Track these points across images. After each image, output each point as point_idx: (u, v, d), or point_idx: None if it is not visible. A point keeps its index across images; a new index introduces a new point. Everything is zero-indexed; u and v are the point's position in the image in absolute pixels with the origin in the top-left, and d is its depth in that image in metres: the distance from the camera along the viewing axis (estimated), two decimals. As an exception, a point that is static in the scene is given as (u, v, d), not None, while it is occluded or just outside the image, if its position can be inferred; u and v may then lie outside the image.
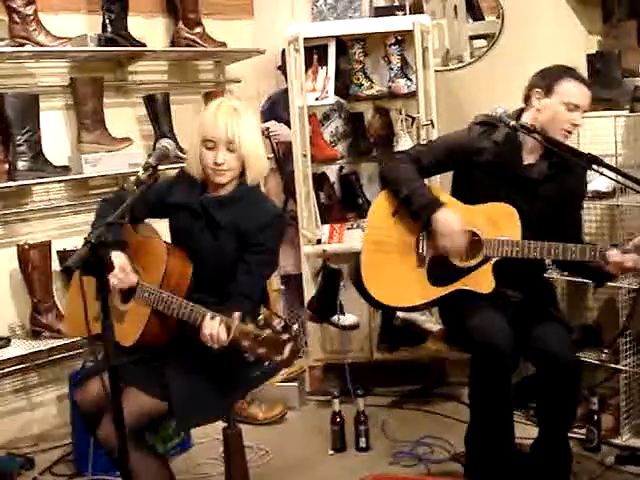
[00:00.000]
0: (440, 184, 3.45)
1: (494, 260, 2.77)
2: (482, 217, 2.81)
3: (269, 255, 2.62)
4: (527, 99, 2.87)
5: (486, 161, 2.84)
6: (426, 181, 3.00)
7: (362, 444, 3.46)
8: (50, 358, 3.70)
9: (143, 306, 2.52)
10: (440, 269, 2.83)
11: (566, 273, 3.49)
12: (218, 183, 2.56)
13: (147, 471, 2.44)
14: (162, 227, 2.74)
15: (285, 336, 2.18)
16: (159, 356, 2.56)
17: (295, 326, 2.25)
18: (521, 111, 2.89)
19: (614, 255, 2.62)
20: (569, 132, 2.79)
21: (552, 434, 2.81)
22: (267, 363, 2.39)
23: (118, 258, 2.48)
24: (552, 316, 2.85)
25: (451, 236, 2.77)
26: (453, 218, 2.78)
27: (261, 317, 2.23)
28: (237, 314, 2.26)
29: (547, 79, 2.81)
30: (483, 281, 2.78)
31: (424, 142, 3.04)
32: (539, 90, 2.81)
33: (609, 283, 3.25)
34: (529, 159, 2.86)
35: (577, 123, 2.78)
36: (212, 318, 2.34)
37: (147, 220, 2.76)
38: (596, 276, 2.82)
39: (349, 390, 3.66)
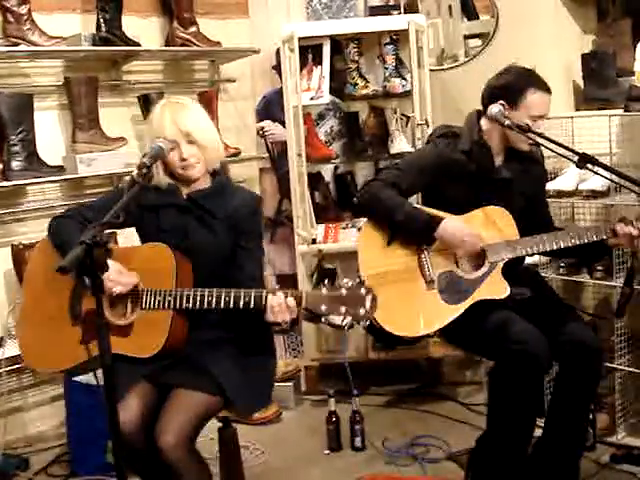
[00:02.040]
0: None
1: (501, 264, 2.76)
2: (478, 223, 2.79)
3: (260, 238, 2.65)
4: (486, 107, 2.81)
5: (461, 171, 2.82)
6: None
7: (357, 444, 3.46)
8: (45, 358, 3.69)
9: (157, 312, 2.42)
10: (451, 286, 2.76)
11: (562, 271, 3.49)
12: (191, 178, 2.52)
13: (199, 476, 2.38)
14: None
15: (362, 289, 2.17)
16: (188, 353, 2.49)
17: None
18: (479, 114, 2.86)
19: (622, 227, 2.65)
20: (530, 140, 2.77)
21: (569, 428, 2.76)
22: (345, 322, 2.33)
23: (111, 268, 2.31)
24: (566, 306, 2.86)
25: (464, 240, 2.72)
26: (458, 224, 2.74)
27: (327, 281, 2.23)
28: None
29: (511, 92, 2.75)
30: (497, 287, 2.74)
31: (394, 165, 3.02)
32: (503, 103, 2.76)
33: (605, 282, 3.28)
34: (499, 160, 2.87)
35: (539, 131, 2.73)
36: (274, 293, 2.30)
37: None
38: (590, 254, 2.88)
39: (345, 390, 3.65)
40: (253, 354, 2.56)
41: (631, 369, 3.29)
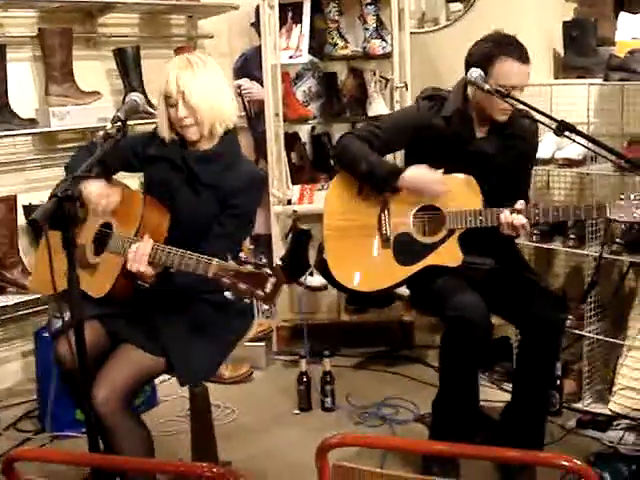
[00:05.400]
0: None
1: (458, 232, 2.76)
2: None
3: (246, 218, 2.58)
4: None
5: (438, 137, 2.79)
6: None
7: (328, 404, 3.49)
8: (15, 314, 3.65)
9: (115, 257, 2.45)
10: (406, 247, 2.80)
11: (534, 239, 3.50)
12: (189, 140, 2.51)
13: (133, 437, 2.39)
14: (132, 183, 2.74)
15: (267, 270, 2.16)
16: (145, 309, 2.50)
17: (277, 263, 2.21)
18: (465, 85, 2.81)
19: (506, 216, 2.65)
20: (507, 110, 2.72)
21: (532, 394, 2.82)
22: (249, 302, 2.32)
23: (94, 185, 2.42)
24: (531, 279, 2.88)
25: (430, 183, 2.73)
26: (420, 170, 2.75)
27: (241, 254, 2.22)
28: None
29: (482, 60, 2.69)
30: (450, 255, 2.77)
31: (373, 122, 3.00)
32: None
33: (577, 251, 3.30)
34: (481, 132, 2.83)
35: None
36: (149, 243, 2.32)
37: (118, 175, 2.70)
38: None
39: (317, 350, 3.67)
40: (211, 324, 2.54)
41: (599, 337, 3.33)
